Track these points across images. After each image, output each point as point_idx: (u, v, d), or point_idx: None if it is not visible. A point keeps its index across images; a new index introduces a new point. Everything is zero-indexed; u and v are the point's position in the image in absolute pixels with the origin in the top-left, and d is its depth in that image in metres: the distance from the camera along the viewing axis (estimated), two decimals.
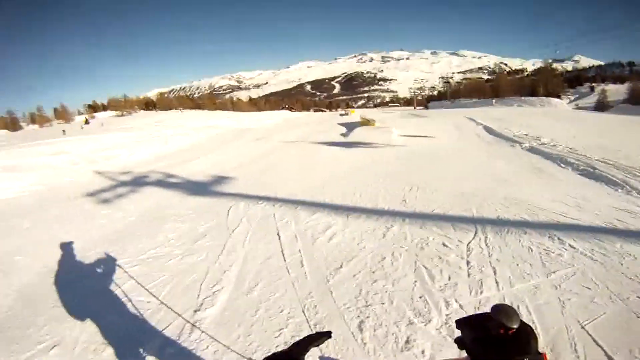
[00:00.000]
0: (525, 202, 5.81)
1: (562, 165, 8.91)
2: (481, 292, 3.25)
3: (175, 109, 78.33)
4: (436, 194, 6.56)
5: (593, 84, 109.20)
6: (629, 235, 4.42)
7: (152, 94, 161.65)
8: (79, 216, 7.09)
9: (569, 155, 9.73)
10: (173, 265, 4.37)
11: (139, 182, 10.09)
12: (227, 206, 6.69)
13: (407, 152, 11.48)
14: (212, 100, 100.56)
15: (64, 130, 37.36)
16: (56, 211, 7.61)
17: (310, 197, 6.85)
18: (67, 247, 5.27)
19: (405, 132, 16.66)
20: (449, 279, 3.50)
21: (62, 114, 72.80)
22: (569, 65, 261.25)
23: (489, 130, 16.38)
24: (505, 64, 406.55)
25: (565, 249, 4.00)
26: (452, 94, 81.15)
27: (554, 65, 71.40)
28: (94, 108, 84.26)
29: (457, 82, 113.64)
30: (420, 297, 3.24)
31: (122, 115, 69.48)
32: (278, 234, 5.08)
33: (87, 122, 59.43)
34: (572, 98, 70.91)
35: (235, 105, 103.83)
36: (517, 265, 3.70)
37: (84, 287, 4.05)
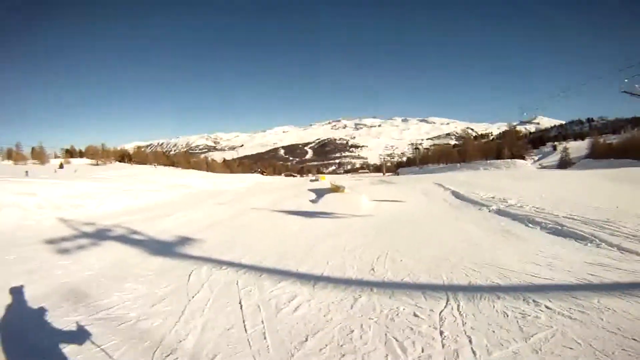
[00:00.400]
0: (495, 265, 5.69)
1: (530, 225, 9.00)
2: None
3: (150, 164, 77.84)
4: (406, 260, 6.34)
5: (555, 143, 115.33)
6: (604, 288, 4.39)
7: (130, 146, 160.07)
8: (35, 263, 6.66)
9: (536, 215, 9.88)
10: (126, 329, 3.96)
11: (102, 235, 9.65)
12: (189, 269, 6.26)
13: (376, 219, 11.33)
14: (187, 159, 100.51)
15: (27, 172, 36.42)
16: (12, 255, 7.20)
17: (275, 265, 6.50)
18: (15, 295, 4.90)
19: (374, 199, 16.82)
20: (422, 350, 3.23)
21: (39, 155, 71.49)
22: (532, 127, 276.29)
23: (456, 194, 16.62)
24: (472, 129, 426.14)
25: (542, 311, 3.84)
26: (420, 160, 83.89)
27: (518, 127, 75.29)
28: (70, 153, 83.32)
29: (426, 148, 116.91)
30: None
31: (96, 164, 68.77)
32: (240, 302, 4.71)
33: (61, 166, 58.85)
34: (536, 158, 74.38)
35: (210, 166, 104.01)
36: (494, 332, 3.47)
37: (25, 342, 3.68)
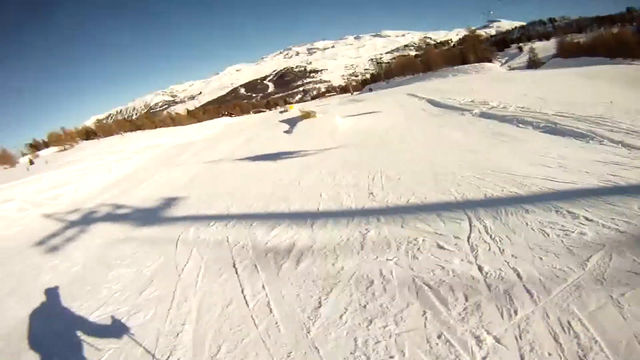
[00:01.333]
0: (504, 172, 5.14)
1: (520, 125, 8.52)
2: (515, 313, 2.38)
3: (117, 134, 74.90)
4: (404, 179, 5.78)
5: (520, 44, 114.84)
6: (636, 191, 3.79)
7: (91, 122, 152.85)
8: (25, 273, 5.95)
9: (523, 114, 9.41)
10: (119, 331, 3.32)
11: (86, 219, 8.89)
12: (175, 235, 5.63)
13: (356, 138, 10.65)
14: (151, 119, 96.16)
15: None
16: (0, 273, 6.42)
17: (265, 209, 5.92)
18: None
19: (348, 117, 15.87)
20: (466, 299, 2.61)
21: (5, 158, 67.77)
22: (492, 30, 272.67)
23: (433, 102, 16.00)
24: (430, 38, 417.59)
25: (583, 224, 3.26)
26: (385, 74, 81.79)
27: (478, 31, 73.40)
28: (35, 147, 78.48)
29: (387, 62, 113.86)
30: (439, 338, 2.33)
31: (64, 149, 65.45)
32: (234, 266, 4.06)
33: (31, 162, 55.86)
34: (503, 61, 73.61)
35: (175, 120, 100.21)
36: (541, 259, 2.87)
37: None
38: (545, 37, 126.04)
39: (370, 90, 64.59)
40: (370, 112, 16.27)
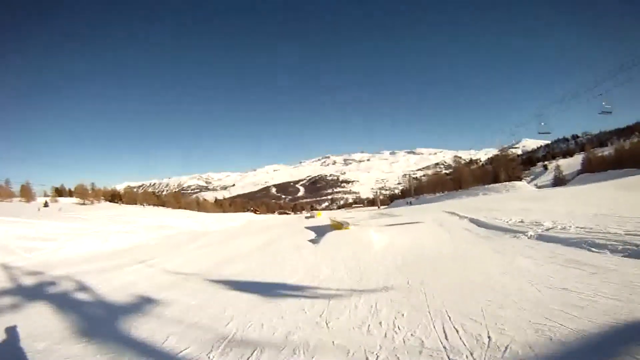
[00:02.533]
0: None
1: (594, 249, 7.05)
2: None
3: (140, 204, 75.40)
4: (502, 340, 3.56)
5: (545, 162, 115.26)
6: None
7: (121, 186, 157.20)
8: None
9: (589, 236, 8.03)
10: None
11: (39, 292, 7.77)
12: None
13: (398, 258, 8.90)
14: (178, 199, 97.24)
15: None
16: None
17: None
18: None
19: (383, 235, 14.06)
20: None
21: (26, 193, 68.68)
22: (518, 150, 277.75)
23: (476, 222, 14.51)
24: (459, 157, 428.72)
25: None
26: (415, 190, 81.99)
27: (507, 151, 74.25)
28: (59, 192, 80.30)
29: (415, 178, 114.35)
30: None
31: (83, 203, 65.90)
32: None
33: (46, 204, 56.81)
34: (529, 179, 72.68)
35: (201, 206, 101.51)
36: None
37: None
38: (569, 154, 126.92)
39: (410, 203, 63.76)
40: (407, 228, 15.17)
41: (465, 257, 8.34)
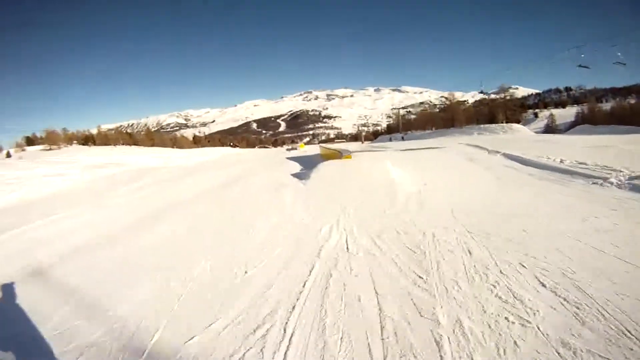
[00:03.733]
0: None
1: None
2: None
3: (112, 145, 71.15)
4: None
5: (536, 110, 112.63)
6: None
7: (96, 129, 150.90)
8: None
9: None
10: None
11: None
12: None
13: (474, 225, 5.17)
14: (151, 136, 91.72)
15: None
16: None
17: None
18: None
19: (405, 170, 10.40)
20: None
21: None
22: (507, 96, 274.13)
23: (518, 159, 11.41)
24: (446, 97, 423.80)
25: None
26: (403, 126, 77.86)
27: (493, 96, 70.25)
28: (31, 141, 75.16)
29: (406, 113, 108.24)
30: None
31: (49, 149, 61.51)
32: None
33: (8, 155, 53.21)
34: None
35: (177, 143, 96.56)
36: None
37: None
38: (562, 104, 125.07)
39: (390, 140, 60.53)
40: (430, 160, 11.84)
41: (553, 217, 5.28)
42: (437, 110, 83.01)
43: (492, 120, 53.66)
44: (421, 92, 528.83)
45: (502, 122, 50.45)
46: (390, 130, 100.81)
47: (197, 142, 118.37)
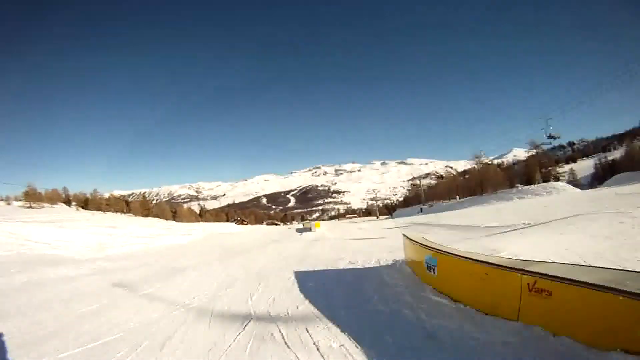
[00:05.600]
0: None
1: None
2: None
3: (105, 212, 69.09)
4: None
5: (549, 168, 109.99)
6: None
7: (109, 194, 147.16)
8: None
9: None
10: None
11: None
12: None
13: None
14: (145, 205, 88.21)
15: None
16: None
17: None
18: None
19: None
20: None
21: None
22: (508, 159, 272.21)
23: None
24: (451, 167, 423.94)
25: None
26: (430, 195, 72.83)
27: (494, 161, 66.22)
28: (31, 197, 72.02)
29: (426, 184, 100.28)
30: None
31: (29, 207, 58.10)
32: None
33: None
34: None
35: (177, 215, 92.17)
36: None
37: None
38: (572, 159, 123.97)
39: (421, 210, 55.76)
40: None
41: None
42: (461, 174, 77.77)
43: (529, 181, 49.50)
44: (427, 163, 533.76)
45: (539, 182, 46.50)
46: (407, 202, 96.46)
47: (201, 215, 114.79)
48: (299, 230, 34.55)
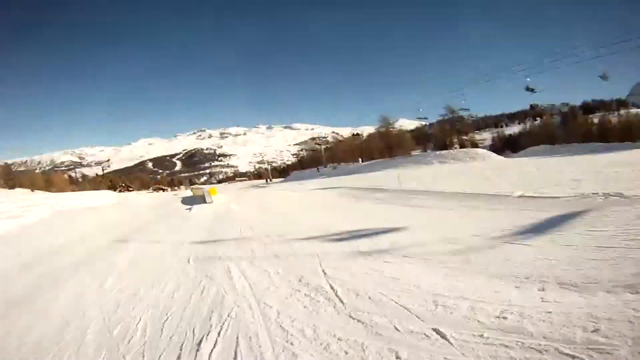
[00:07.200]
0: None
1: None
2: None
3: None
4: None
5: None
6: None
7: None
8: None
9: None
10: None
11: None
12: None
13: None
14: (10, 175, 71.16)
15: None
16: None
17: None
18: None
19: None
20: None
21: None
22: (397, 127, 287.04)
23: None
24: (337, 133, 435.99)
25: None
26: (329, 157, 67.75)
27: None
28: None
29: (327, 143, 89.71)
30: None
31: None
32: None
33: None
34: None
35: (49, 183, 76.07)
36: None
37: None
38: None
39: (318, 171, 50.25)
40: None
41: None
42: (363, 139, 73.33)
43: (443, 145, 46.99)
44: (312, 129, 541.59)
45: (456, 148, 44.21)
46: (303, 165, 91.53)
47: (74, 182, 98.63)
48: (186, 202, 22.75)
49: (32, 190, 58.51)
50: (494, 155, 37.73)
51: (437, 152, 42.76)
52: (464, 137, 49.89)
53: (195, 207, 17.30)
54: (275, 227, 9.62)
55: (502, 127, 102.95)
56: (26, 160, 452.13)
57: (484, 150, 40.25)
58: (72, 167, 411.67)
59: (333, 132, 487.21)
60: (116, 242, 9.99)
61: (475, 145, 48.79)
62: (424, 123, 51.41)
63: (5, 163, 74.55)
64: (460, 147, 44.89)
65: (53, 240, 11.28)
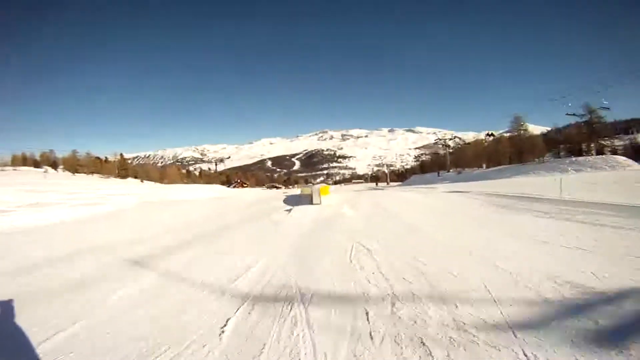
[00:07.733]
0: None
1: None
2: None
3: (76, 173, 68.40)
4: None
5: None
6: None
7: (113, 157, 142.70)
8: None
9: None
10: None
11: None
12: None
13: None
14: (124, 165, 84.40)
15: None
16: None
17: None
18: None
19: None
20: None
21: None
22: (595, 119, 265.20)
23: None
24: (459, 137, 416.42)
25: None
26: (453, 162, 65.69)
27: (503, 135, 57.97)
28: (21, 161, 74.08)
29: (453, 147, 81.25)
30: None
31: None
32: None
33: None
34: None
35: (163, 175, 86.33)
36: None
37: None
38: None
39: (438, 175, 49.23)
40: None
41: None
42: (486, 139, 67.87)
43: (578, 152, 43.00)
44: (434, 133, 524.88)
45: (592, 154, 40.32)
46: (424, 169, 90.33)
47: (187, 177, 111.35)
48: (289, 201, 20.47)
49: (142, 181, 67.14)
50: (636, 164, 33.76)
51: (573, 159, 39.54)
52: (603, 142, 43.95)
53: (296, 209, 14.94)
54: (410, 257, 5.83)
55: (632, 133, 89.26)
56: (149, 155, 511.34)
57: (625, 159, 35.83)
58: (193, 162, 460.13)
59: (456, 136, 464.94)
60: (132, 265, 6.58)
61: (614, 152, 43.48)
62: (603, 113, 43.46)
63: (121, 155, 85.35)
64: (597, 154, 40.61)
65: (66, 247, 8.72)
